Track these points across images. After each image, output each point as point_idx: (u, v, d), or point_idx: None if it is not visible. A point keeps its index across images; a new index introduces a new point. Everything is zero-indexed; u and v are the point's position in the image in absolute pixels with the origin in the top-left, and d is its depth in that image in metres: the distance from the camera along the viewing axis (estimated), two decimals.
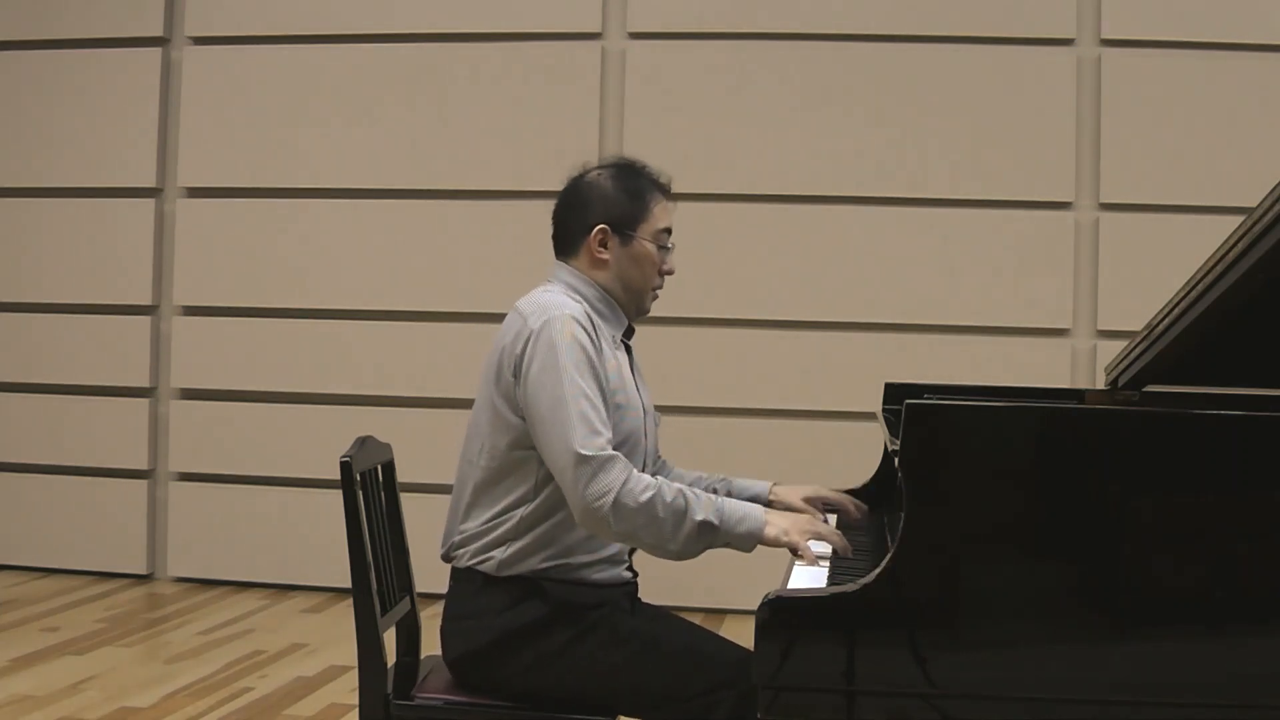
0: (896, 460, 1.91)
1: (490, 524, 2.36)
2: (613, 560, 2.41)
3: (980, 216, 5.19)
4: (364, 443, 2.51)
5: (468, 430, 2.45)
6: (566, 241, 2.50)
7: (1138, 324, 2.59)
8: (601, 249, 2.44)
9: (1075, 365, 5.14)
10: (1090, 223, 5.16)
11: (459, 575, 2.41)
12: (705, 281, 5.23)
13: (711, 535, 2.21)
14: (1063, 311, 5.15)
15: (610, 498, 2.17)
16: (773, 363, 5.26)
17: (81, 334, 5.71)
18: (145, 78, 5.66)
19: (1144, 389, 2.78)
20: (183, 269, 5.67)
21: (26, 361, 5.77)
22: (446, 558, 2.45)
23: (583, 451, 2.19)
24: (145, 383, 5.69)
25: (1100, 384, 4.68)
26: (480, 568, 2.36)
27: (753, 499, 2.63)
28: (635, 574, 2.50)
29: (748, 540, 2.24)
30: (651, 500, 2.18)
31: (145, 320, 5.70)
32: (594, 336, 2.34)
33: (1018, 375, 4.82)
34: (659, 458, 2.65)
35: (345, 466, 2.39)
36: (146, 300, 5.69)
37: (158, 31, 5.65)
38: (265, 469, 5.60)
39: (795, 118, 5.27)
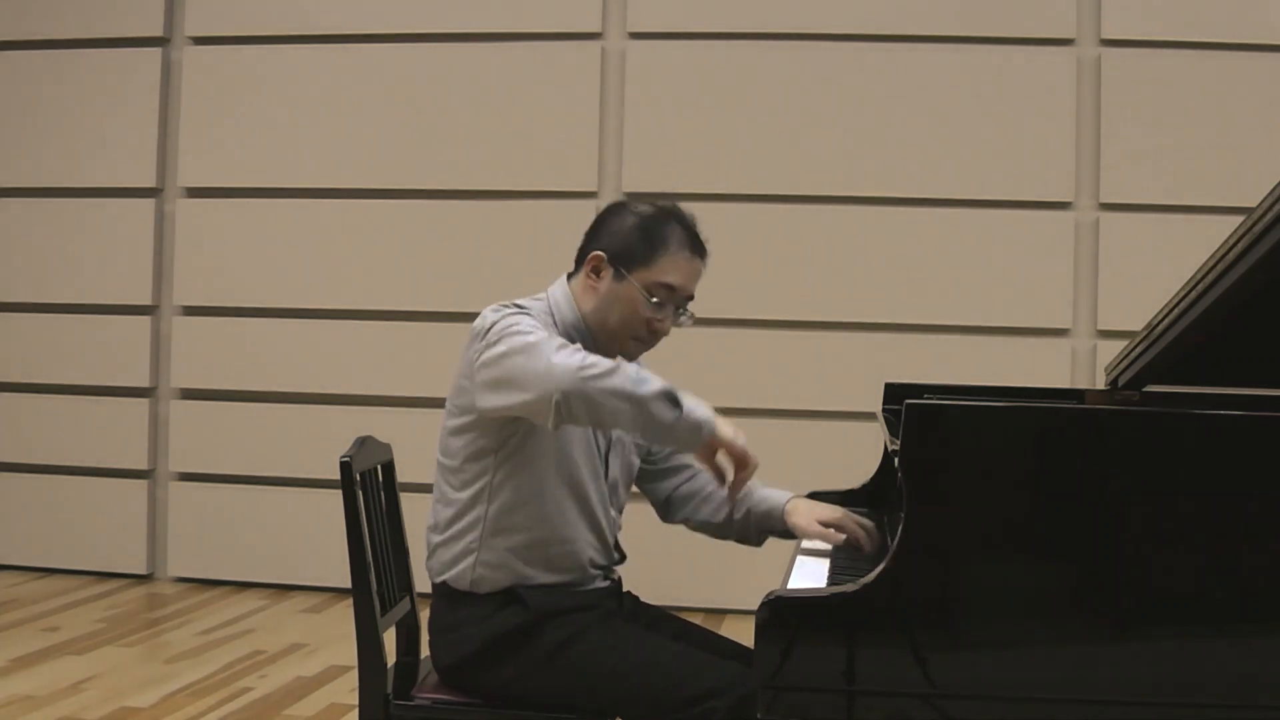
0: (896, 460, 1.90)
1: (452, 535, 2.35)
2: (583, 576, 2.37)
3: (980, 216, 5.19)
4: (364, 443, 2.51)
5: (440, 442, 2.43)
6: (577, 260, 2.42)
7: (1138, 324, 2.59)
8: (594, 276, 2.35)
9: (1075, 365, 5.14)
10: (1090, 223, 5.15)
11: (437, 589, 2.40)
12: (704, 281, 5.21)
13: (673, 411, 2.06)
14: (1063, 311, 5.15)
15: (573, 349, 2.10)
16: (773, 363, 5.26)
17: (81, 334, 5.71)
18: (145, 78, 5.66)
19: (1144, 389, 2.78)
20: (183, 269, 5.67)
21: (26, 361, 5.77)
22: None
23: (537, 331, 2.15)
24: (145, 383, 5.69)
25: (1100, 384, 4.68)
26: (454, 585, 2.35)
27: (769, 511, 2.53)
28: (621, 560, 2.47)
29: (698, 428, 2.07)
30: (617, 364, 2.09)
31: (145, 320, 5.70)
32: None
33: (1018, 375, 4.82)
34: (690, 469, 2.60)
35: (345, 466, 2.39)
36: (146, 300, 5.69)
37: (158, 31, 5.65)
38: (265, 469, 5.61)
39: (795, 118, 5.27)
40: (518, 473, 2.30)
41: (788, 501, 2.53)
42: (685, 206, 2.45)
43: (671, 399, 2.07)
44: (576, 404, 2.06)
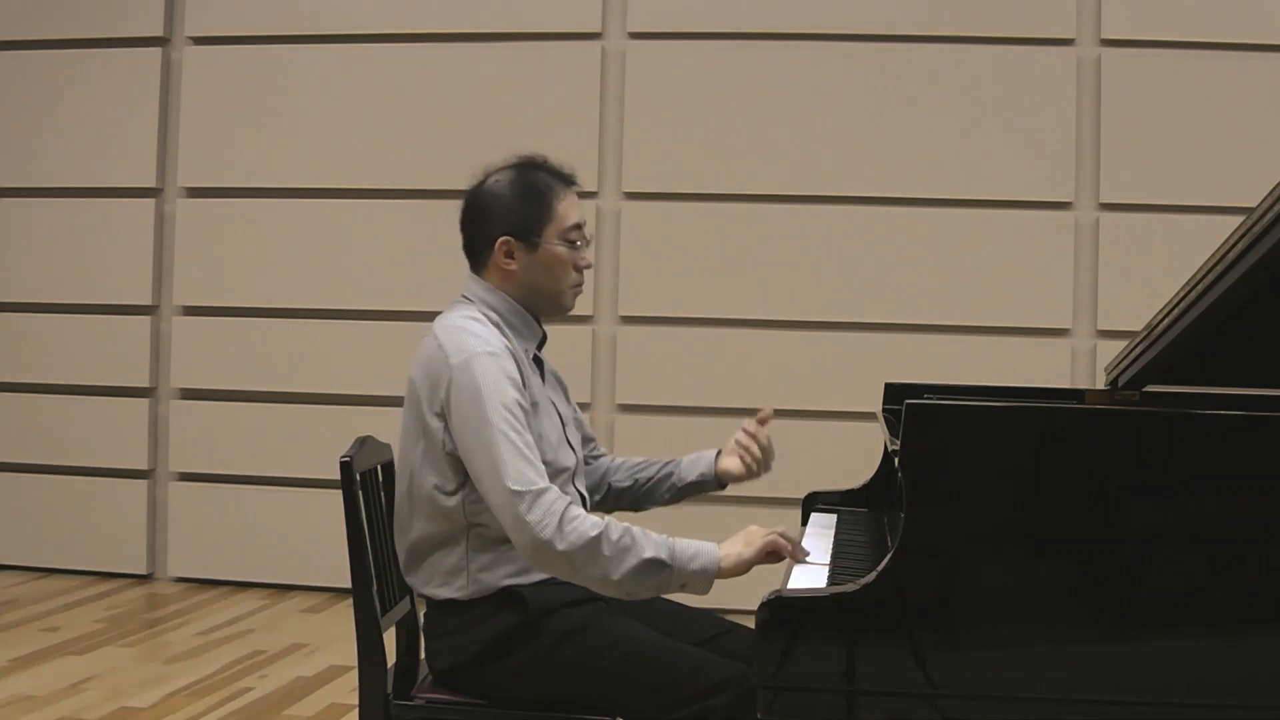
0: (896, 460, 1.90)
1: (436, 558, 2.34)
2: None
3: (980, 216, 5.19)
4: (364, 443, 2.51)
5: (397, 460, 2.43)
6: (474, 255, 2.42)
7: (1138, 324, 2.59)
8: (508, 260, 2.36)
9: (1075, 365, 5.14)
10: (1090, 223, 5.15)
11: (429, 602, 2.39)
12: (705, 281, 5.23)
13: (662, 573, 2.14)
14: (1063, 311, 5.15)
15: (551, 526, 2.12)
16: (773, 363, 5.26)
17: (81, 334, 5.71)
18: (145, 78, 5.66)
19: (1144, 389, 2.78)
20: (183, 269, 5.67)
21: (26, 361, 5.76)
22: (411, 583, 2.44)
23: (515, 487, 2.15)
24: (145, 383, 5.69)
25: (1100, 384, 4.68)
26: (450, 596, 2.34)
27: (701, 476, 2.63)
28: None
29: (702, 578, 2.15)
30: (596, 538, 2.12)
31: (145, 320, 5.70)
32: (519, 367, 2.30)
33: (1018, 375, 4.82)
34: (594, 442, 2.65)
35: (345, 466, 2.39)
36: (146, 300, 5.69)
37: (158, 31, 5.65)
38: (265, 469, 5.60)
39: (795, 118, 5.27)
40: None
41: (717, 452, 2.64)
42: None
43: (656, 564, 2.12)
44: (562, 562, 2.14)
